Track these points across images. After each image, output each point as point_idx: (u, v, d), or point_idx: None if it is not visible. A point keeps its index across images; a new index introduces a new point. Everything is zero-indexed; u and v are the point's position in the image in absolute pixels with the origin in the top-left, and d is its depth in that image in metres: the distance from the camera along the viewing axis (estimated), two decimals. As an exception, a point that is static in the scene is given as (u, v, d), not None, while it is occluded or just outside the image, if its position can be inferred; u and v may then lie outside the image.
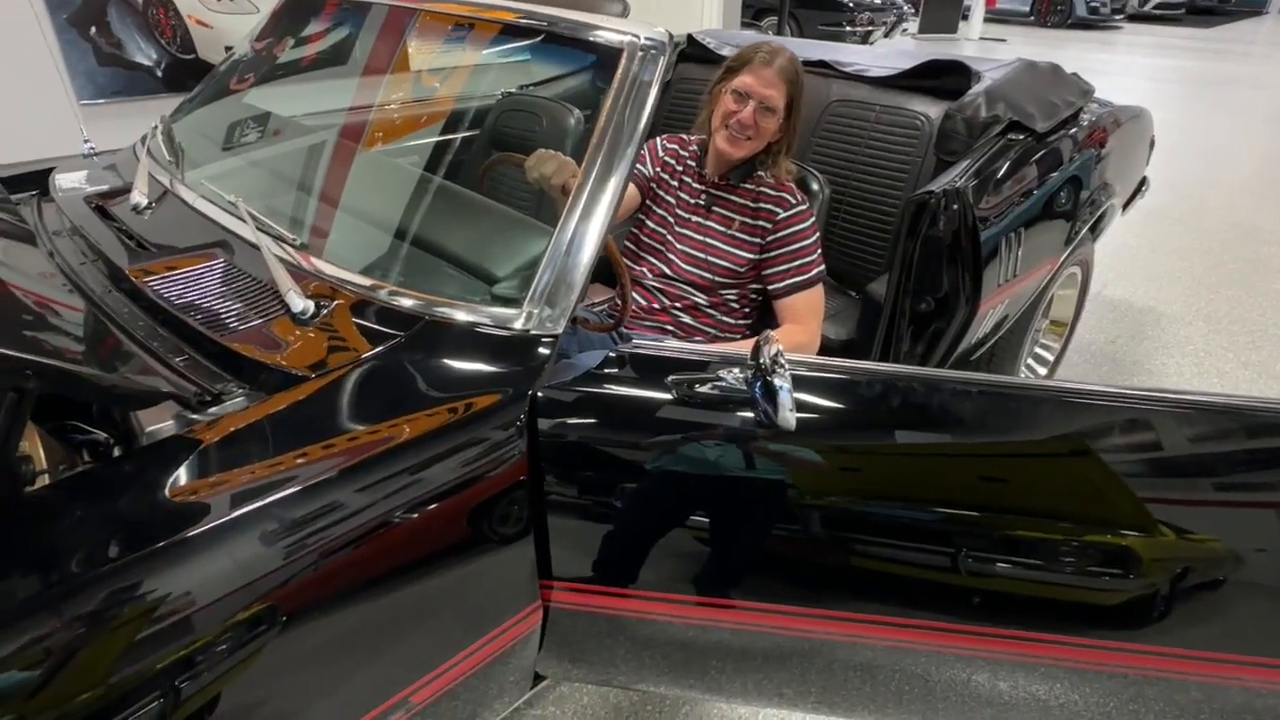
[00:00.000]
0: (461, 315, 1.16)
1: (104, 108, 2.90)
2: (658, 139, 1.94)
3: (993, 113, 2.09)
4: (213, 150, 1.73)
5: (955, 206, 1.86)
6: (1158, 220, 4.89)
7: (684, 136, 1.92)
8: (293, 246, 1.29)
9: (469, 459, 1.02)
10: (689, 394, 1.08)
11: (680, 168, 1.88)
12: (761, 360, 0.99)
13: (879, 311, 2.06)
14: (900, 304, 2.01)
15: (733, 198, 1.79)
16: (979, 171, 1.95)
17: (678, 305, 1.83)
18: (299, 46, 1.93)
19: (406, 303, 1.18)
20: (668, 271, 1.82)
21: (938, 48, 10.81)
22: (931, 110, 2.29)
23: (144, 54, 2.91)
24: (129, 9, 2.85)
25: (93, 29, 2.79)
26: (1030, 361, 2.71)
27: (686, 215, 1.83)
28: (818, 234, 1.77)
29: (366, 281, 1.22)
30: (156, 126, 1.80)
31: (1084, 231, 2.42)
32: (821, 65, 2.58)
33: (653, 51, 1.25)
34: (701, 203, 1.82)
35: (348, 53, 1.87)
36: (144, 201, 1.52)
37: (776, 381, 0.96)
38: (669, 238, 1.84)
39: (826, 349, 2.18)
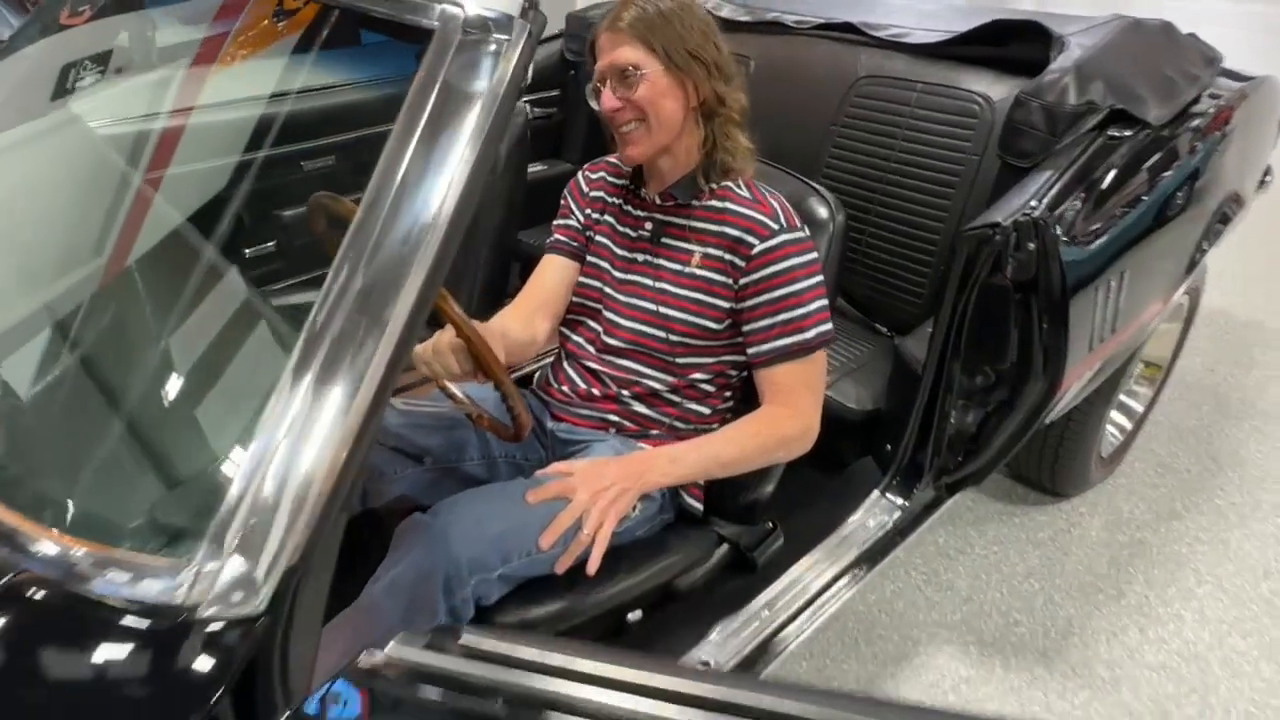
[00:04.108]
0: (73, 577, 0.62)
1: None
2: (580, 173, 1.37)
3: (1086, 98, 1.47)
4: None
5: (1031, 246, 1.26)
6: (1253, 208, 4.11)
7: (610, 160, 1.34)
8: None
9: None
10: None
11: (614, 197, 1.31)
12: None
13: (916, 374, 1.49)
14: (947, 372, 1.43)
15: (689, 222, 1.22)
16: (1068, 189, 1.34)
17: (627, 392, 1.27)
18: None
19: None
20: (610, 341, 1.26)
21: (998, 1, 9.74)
22: (995, 90, 1.67)
23: (10, 28, 2.40)
24: (-7, -26, 2.34)
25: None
26: (1113, 414, 2.10)
27: (629, 254, 1.27)
28: (818, 276, 1.19)
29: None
30: None
31: (1207, 253, 1.79)
32: (847, 29, 1.96)
33: (494, 38, 0.68)
34: (646, 233, 1.25)
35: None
36: None
37: None
38: (608, 291, 1.28)
39: (841, 424, 1.61)
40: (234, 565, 0.57)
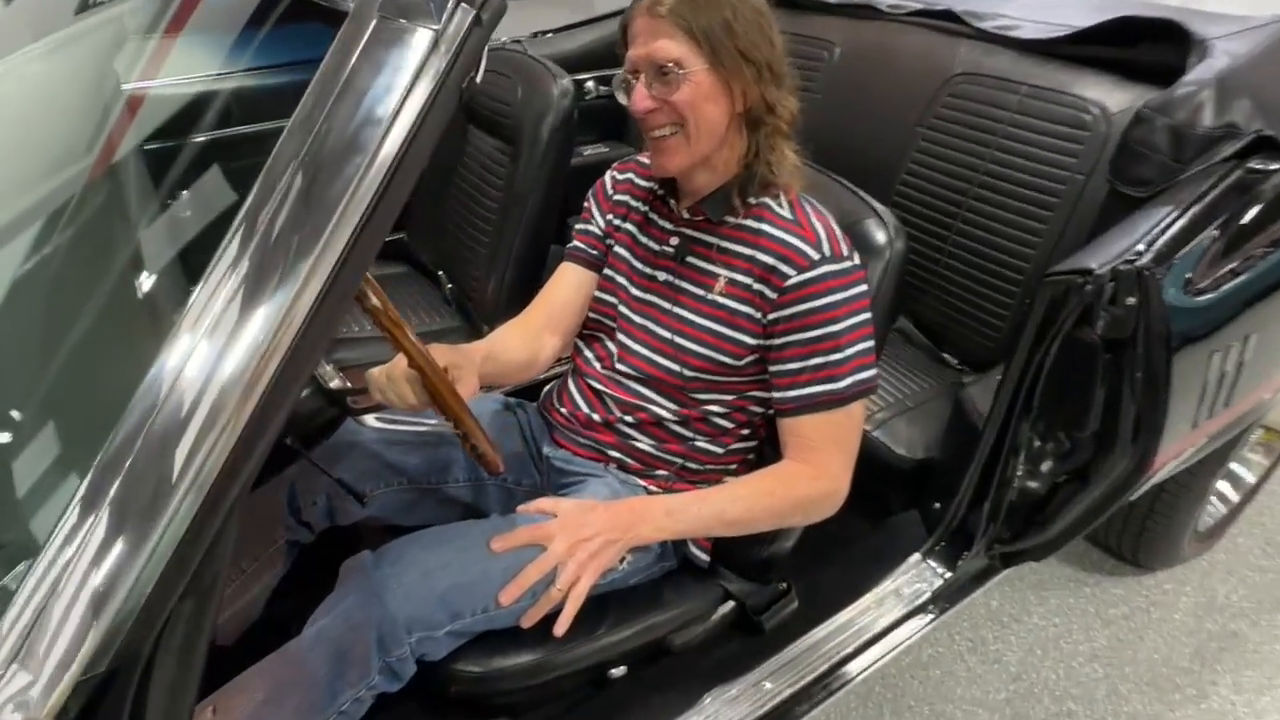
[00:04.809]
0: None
1: None
2: (608, 172, 1.21)
3: (1225, 119, 1.21)
4: None
5: (1131, 301, 1.04)
6: None
7: (640, 159, 1.18)
8: None
9: None
10: None
11: (640, 203, 1.15)
12: None
13: (977, 427, 1.29)
14: (1013, 431, 1.23)
15: (719, 242, 1.05)
16: (1189, 231, 1.11)
17: (630, 418, 1.12)
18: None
19: None
20: (621, 366, 1.12)
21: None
22: (1114, 99, 1.42)
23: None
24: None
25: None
26: (1221, 484, 1.81)
27: (649, 271, 1.11)
28: (863, 314, 1.01)
29: None
30: None
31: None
32: (948, 17, 1.73)
33: (423, 26, 0.54)
34: (670, 250, 1.10)
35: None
36: None
37: None
38: (623, 310, 1.14)
39: (887, 471, 1.43)
40: (17, 672, 0.47)
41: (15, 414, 0.85)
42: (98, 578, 0.48)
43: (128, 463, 0.54)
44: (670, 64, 0.93)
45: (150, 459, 0.54)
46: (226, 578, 1.09)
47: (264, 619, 1.12)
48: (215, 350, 0.55)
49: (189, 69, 1.06)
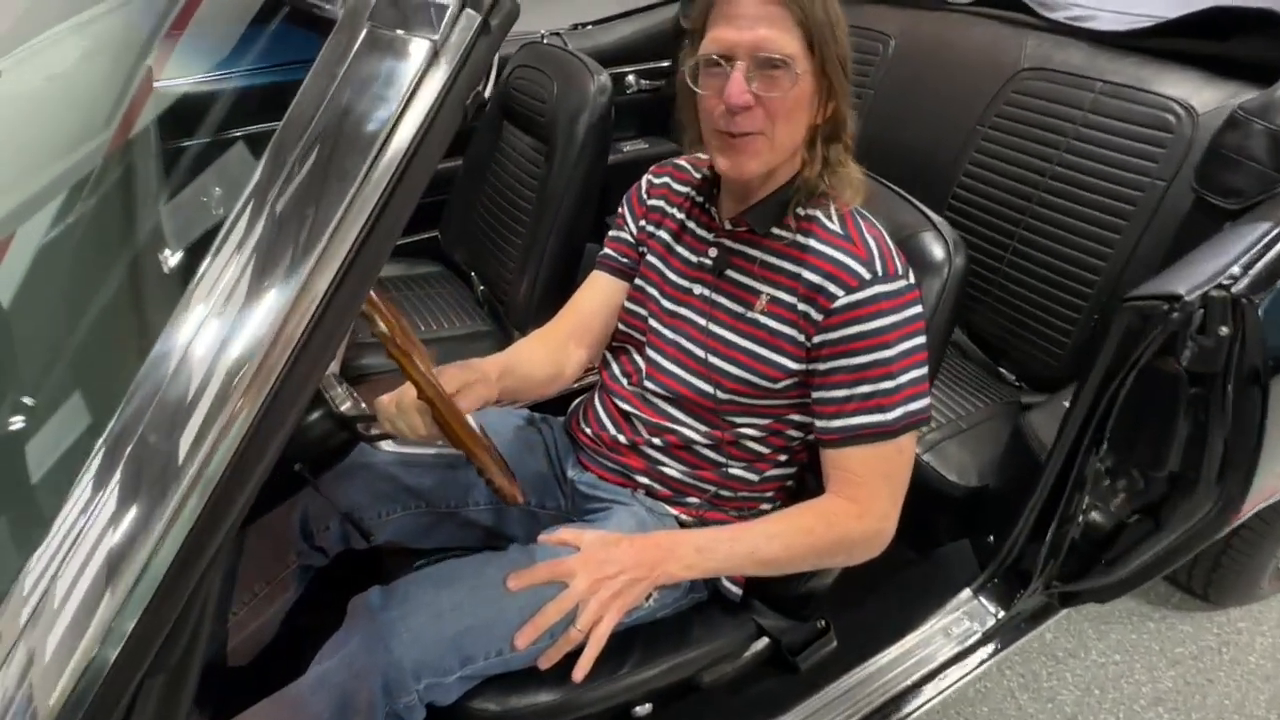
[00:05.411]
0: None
1: None
2: (644, 177, 1.13)
3: (1336, 124, 1.09)
4: None
5: (1224, 331, 0.93)
6: None
7: (678, 163, 1.10)
8: None
9: None
10: None
11: (678, 209, 1.07)
12: None
13: (1038, 458, 1.19)
14: (1079, 465, 1.13)
15: (765, 257, 0.97)
16: (1289, 254, 0.99)
17: (658, 440, 1.05)
18: None
19: None
20: (650, 384, 1.05)
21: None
22: (1201, 98, 1.30)
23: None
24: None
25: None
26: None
27: (684, 283, 1.03)
28: (918, 338, 0.91)
29: None
30: None
31: None
32: (1016, 7, 1.61)
33: (420, 37, 0.47)
34: (708, 262, 1.01)
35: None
36: None
37: None
38: (653, 324, 1.06)
39: (938, 499, 1.33)
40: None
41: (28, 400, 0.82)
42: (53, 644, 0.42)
43: (128, 450, 0.49)
44: (783, 59, 0.82)
45: (156, 442, 0.50)
46: (239, 601, 1.07)
47: (278, 641, 1.09)
48: (221, 333, 0.50)
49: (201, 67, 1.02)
